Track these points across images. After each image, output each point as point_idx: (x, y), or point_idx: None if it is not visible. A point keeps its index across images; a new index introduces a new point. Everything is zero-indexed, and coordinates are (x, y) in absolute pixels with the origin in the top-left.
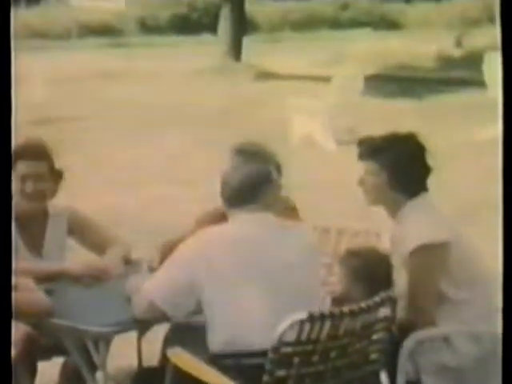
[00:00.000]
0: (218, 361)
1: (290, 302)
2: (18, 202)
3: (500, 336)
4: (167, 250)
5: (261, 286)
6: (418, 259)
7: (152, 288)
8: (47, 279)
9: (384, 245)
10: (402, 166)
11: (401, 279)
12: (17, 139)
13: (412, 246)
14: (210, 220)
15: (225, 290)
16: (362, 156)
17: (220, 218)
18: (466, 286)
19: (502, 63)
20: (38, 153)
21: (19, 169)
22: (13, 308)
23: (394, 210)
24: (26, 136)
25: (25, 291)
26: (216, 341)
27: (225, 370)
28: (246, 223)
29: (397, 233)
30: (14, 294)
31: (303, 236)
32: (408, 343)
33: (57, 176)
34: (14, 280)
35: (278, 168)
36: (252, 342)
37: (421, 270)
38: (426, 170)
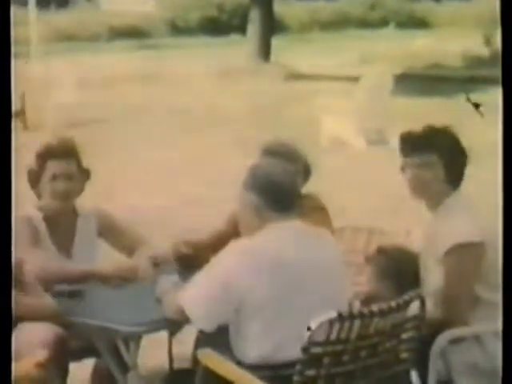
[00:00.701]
0: (252, 372)
1: (323, 310)
2: (48, 203)
3: None
4: (199, 249)
5: (297, 297)
6: (457, 257)
7: (187, 301)
8: (77, 281)
9: (415, 243)
10: (454, 155)
11: (434, 276)
12: (47, 141)
13: (451, 244)
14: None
15: (264, 304)
16: (416, 149)
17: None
18: (498, 287)
19: (502, 65)
20: (68, 151)
21: (50, 168)
22: (13, 311)
23: (437, 202)
24: (57, 138)
25: (33, 295)
26: (252, 353)
27: (260, 379)
28: (278, 234)
29: (435, 227)
30: (24, 298)
31: (331, 243)
32: (440, 341)
33: (84, 175)
34: (23, 282)
35: (308, 168)
36: (290, 352)
37: (458, 268)
38: (466, 161)
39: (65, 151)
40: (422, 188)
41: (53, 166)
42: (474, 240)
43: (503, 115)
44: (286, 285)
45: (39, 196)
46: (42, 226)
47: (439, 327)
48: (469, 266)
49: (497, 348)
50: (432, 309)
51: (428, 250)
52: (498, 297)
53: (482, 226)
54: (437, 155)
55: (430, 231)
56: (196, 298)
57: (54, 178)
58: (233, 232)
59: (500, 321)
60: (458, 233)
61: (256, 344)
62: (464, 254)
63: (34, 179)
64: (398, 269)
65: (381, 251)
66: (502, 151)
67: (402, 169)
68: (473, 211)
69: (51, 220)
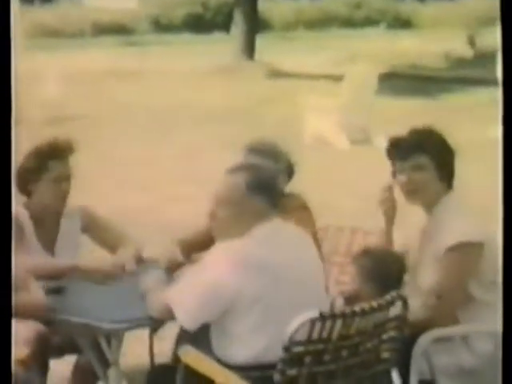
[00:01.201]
0: (240, 373)
1: (309, 309)
2: (50, 203)
3: None
4: (187, 247)
5: (285, 297)
6: (457, 255)
7: (175, 300)
8: (60, 276)
9: (397, 244)
10: (444, 155)
11: (428, 274)
12: (31, 138)
13: (452, 242)
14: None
15: (253, 304)
16: (406, 153)
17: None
18: (492, 287)
19: (503, 63)
20: (67, 151)
21: (53, 169)
22: (13, 307)
23: (433, 203)
24: (41, 134)
25: (25, 290)
26: (240, 354)
27: (248, 380)
28: (265, 234)
29: (431, 227)
30: (16, 294)
31: (310, 242)
32: (423, 341)
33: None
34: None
35: (291, 167)
36: (279, 353)
37: (457, 267)
38: (453, 159)
39: (65, 151)
40: (417, 191)
41: (56, 167)
42: (475, 239)
43: (503, 114)
44: (274, 285)
45: (29, 194)
46: (28, 224)
47: (424, 327)
48: (468, 264)
49: (484, 348)
50: (419, 309)
51: (423, 249)
52: (491, 297)
53: (478, 225)
54: (428, 156)
55: (425, 231)
56: (185, 298)
57: (58, 179)
58: None
59: (490, 321)
60: (458, 232)
61: (244, 344)
62: (465, 253)
63: (29, 178)
64: (383, 270)
65: (366, 252)
66: (502, 150)
67: (394, 174)
68: (468, 210)
69: (37, 218)
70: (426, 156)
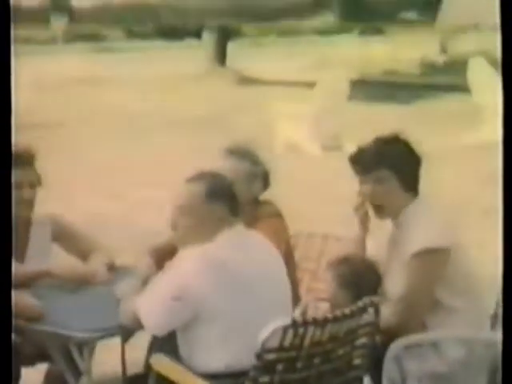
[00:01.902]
0: (213, 380)
1: (275, 316)
2: (16, 211)
3: (491, 342)
4: (158, 255)
5: (253, 303)
6: (422, 262)
7: (141, 307)
8: (30, 282)
9: (369, 250)
10: (406, 164)
11: (396, 282)
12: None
13: (416, 248)
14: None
15: (222, 309)
16: (367, 167)
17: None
18: (461, 293)
19: (502, 66)
20: (30, 159)
21: (15, 176)
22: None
23: (398, 212)
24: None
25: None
26: (212, 362)
27: None
28: (230, 240)
29: (397, 235)
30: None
31: (272, 248)
32: (395, 347)
33: (39, 181)
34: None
35: (267, 176)
36: (251, 360)
37: (422, 273)
38: (418, 166)
39: (27, 158)
40: (382, 203)
41: (18, 174)
42: (441, 245)
43: (503, 116)
44: (239, 289)
45: None
46: None
47: (395, 333)
48: (434, 270)
49: (454, 353)
50: (390, 316)
51: (390, 257)
52: (458, 302)
53: (449, 230)
54: (389, 168)
55: (392, 238)
56: (152, 304)
57: (20, 185)
58: None
59: (458, 327)
60: (424, 238)
61: (214, 352)
62: (430, 259)
63: None
64: (357, 277)
65: (344, 260)
66: (503, 154)
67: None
68: (435, 216)
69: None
70: (387, 169)
